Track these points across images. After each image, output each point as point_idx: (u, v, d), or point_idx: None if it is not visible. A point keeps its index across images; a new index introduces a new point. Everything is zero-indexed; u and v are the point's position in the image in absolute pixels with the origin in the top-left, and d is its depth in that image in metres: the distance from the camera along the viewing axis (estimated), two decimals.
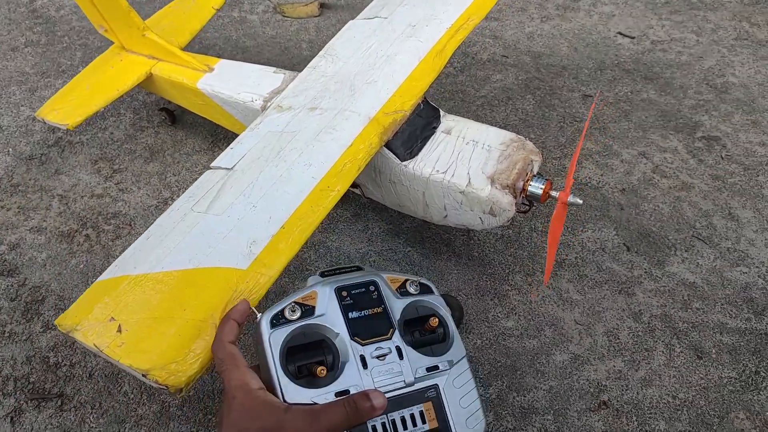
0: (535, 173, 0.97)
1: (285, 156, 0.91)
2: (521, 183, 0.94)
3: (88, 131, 1.46)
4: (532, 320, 1.09)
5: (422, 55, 1.06)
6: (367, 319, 0.71)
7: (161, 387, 0.68)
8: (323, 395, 0.63)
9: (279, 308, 0.69)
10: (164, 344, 0.70)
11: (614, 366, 1.03)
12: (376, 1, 1.20)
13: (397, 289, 0.75)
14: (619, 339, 1.06)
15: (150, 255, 0.80)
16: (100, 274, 0.78)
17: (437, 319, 0.71)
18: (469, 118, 1.40)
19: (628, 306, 1.10)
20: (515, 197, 0.94)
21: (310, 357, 0.67)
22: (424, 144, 1.01)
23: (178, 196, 0.87)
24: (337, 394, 0.63)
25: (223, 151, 0.94)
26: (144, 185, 1.34)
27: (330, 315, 0.69)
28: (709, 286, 1.12)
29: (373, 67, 1.05)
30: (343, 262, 1.18)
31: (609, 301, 1.11)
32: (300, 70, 1.13)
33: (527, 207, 1.00)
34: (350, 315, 0.70)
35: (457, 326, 1.05)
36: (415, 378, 0.66)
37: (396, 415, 0.62)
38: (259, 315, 0.71)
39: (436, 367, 0.68)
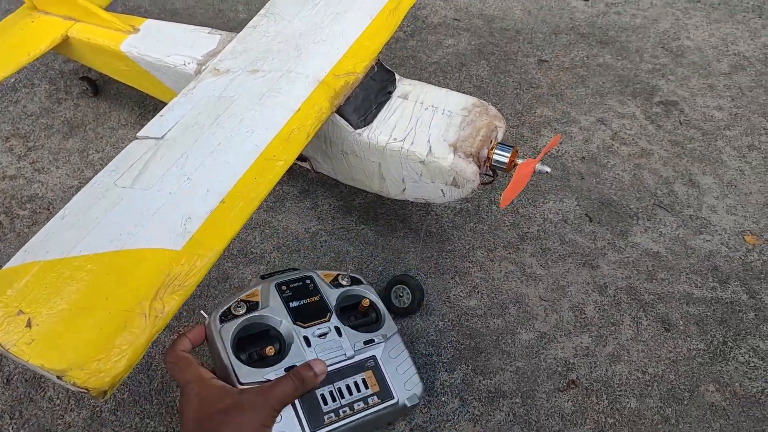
0: (499, 140, 0.89)
1: (223, 122, 0.81)
2: (485, 151, 0.87)
3: None
4: (495, 298, 1.03)
5: (375, 13, 0.97)
6: (307, 306, 0.78)
7: (81, 390, 0.57)
8: (274, 372, 0.69)
9: (226, 306, 0.76)
10: (83, 340, 0.59)
11: (581, 342, 0.98)
12: None
13: (330, 282, 0.84)
14: (585, 314, 1.01)
15: (65, 236, 0.68)
16: None
17: (368, 300, 0.81)
18: None
19: (593, 279, 1.05)
20: (479, 166, 0.87)
21: (259, 345, 0.73)
22: (379, 110, 0.92)
23: None
24: (287, 369, 0.69)
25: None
26: (63, 164, 1.19)
27: (273, 307, 0.76)
28: (673, 255, 1.09)
29: (321, 26, 0.95)
30: (291, 243, 1.08)
31: (573, 275, 1.06)
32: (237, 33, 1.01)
33: (491, 177, 0.93)
34: (291, 305, 0.78)
35: (418, 308, 0.98)
36: (354, 351, 0.74)
37: (341, 384, 0.69)
38: (207, 316, 0.75)
39: (371, 341, 0.77)
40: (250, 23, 1.00)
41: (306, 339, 0.76)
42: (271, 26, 0.98)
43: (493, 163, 0.88)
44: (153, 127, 0.82)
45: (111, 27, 1.10)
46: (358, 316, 0.83)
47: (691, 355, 0.97)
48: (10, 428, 0.87)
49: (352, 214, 1.13)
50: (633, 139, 1.27)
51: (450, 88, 1.27)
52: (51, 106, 1.30)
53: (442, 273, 1.06)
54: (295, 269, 0.87)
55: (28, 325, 0.61)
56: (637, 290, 1.04)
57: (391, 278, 1.00)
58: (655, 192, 1.18)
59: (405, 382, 0.79)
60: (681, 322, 1.01)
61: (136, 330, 0.60)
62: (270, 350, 0.73)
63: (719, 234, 1.12)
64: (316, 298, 0.81)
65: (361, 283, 0.88)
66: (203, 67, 0.97)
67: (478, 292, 1.03)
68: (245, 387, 0.62)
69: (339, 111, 0.89)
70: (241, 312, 0.77)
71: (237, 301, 0.78)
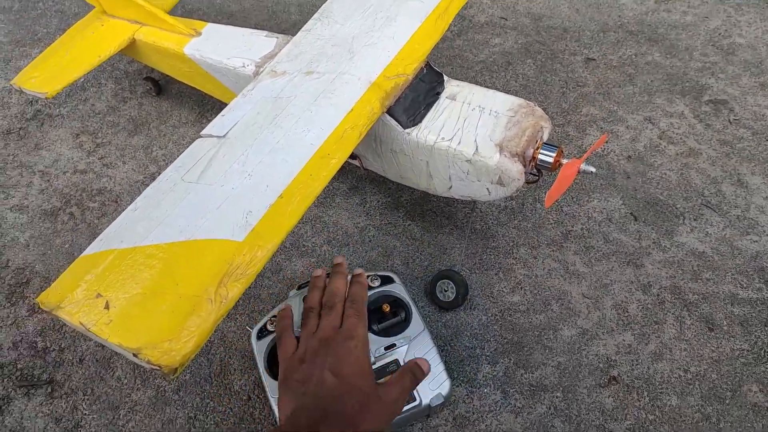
0: (545, 140, 0.92)
1: (281, 122, 0.86)
2: (531, 151, 0.89)
3: (68, 103, 1.39)
4: (538, 294, 1.05)
5: (424, 17, 1.00)
6: None
7: (154, 367, 0.63)
8: None
9: (263, 323, 0.89)
10: (156, 321, 0.65)
11: (624, 340, 1.00)
12: None
13: None
14: (628, 312, 1.03)
15: (138, 227, 0.74)
16: None
17: (388, 305, 0.88)
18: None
19: (637, 278, 1.06)
20: (525, 165, 0.89)
21: None
22: (428, 110, 0.95)
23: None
24: None
25: (210, 121, 0.88)
26: (129, 159, 1.27)
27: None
28: (719, 255, 1.09)
29: (373, 29, 0.99)
30: (341, 238, 1.13)
31: (617, 274, 1.07)
32: (291, 35, 1.06)
33: (536, 177, 0.95)
34: None
35: (462, 302, 1.02)
36: (374, 357, 0.81)
37: None
38: (250, 330, 0.89)
39: (393, 345, 0.85)
40: (305, 26, 1.04)
41: None
42: (325, 29, 1.03)
43: (538, 162, 0.90)
44: (215, 126, 0.88)
45: (175, 31, 1.17)
46: (385, 317, 0.89)
47: (734, 355, 0.97)
48: (84, 404, 0.95)
49: (399, 210, 1.17)
50: (681, 139, 1.26)
51: (496, 88, 1.30)
52: (117, 104, 1.39)
53: (486, 269, 1.08)
54: (329, 275, 0.90)
55: (106, 307, 0.67)
56: (681, 290, 1.05)
57: (437, 273, 1.04)
58: (703, 192, 1.18)
59: (430, 382, 0.85)
60: (725, 322, 1.01)
61: (203, 314, 0.65)
62: None
63: (767, 235, 1.11)
64: None
65: (392, 282, 0.94)
66: (261, 69, 1.03)
67: (521, 288, 1.06)
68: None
69: (389, 111, 0.93)
70: (275, 328, 0.86)
71: (271, 317, 0.89)
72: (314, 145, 0.82)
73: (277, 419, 0.75)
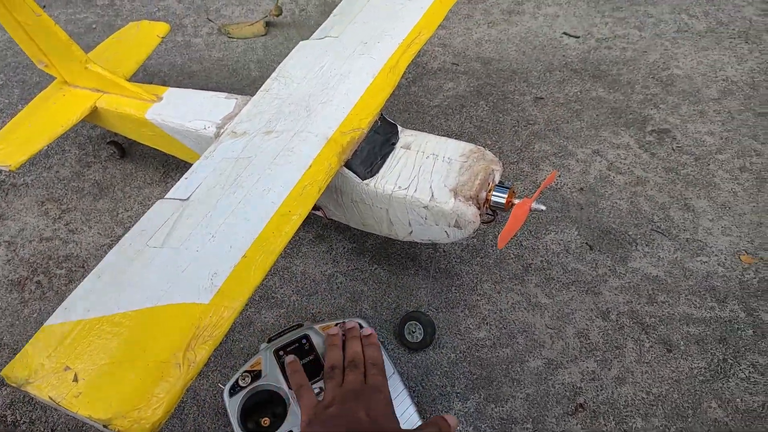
0: (496, 182, 0.97)
1: (242, 182, 0.89)
2: (484, 193, 0.94)
3: (33, 171, 1.40)
4: (503, 328, 1.08)
5: (376, 72, 1.05)
6: (303, 367, 0.87)
7: None
8: None
9: (234, 379, 0.90)
10: (125, 390, 0.66)
11: (587, 367, 1.03)
12: (325, 23, 1.18)
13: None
14: (589, 339, 1.07)
15: (104, 296, 0.76)
16: None
17: None
18: (424, 128, 1.42)
19: (596, 305, 1.11)
20: (479, 208, 0.94)
21: (263, 413, 0.86)
22: (384, 161, 1.00)
23: None
24: None
25: (174, 181, 0.92)
26: (95, 224, 1.29)
27: (272, 374, 0.88)
28: (671, 278, 1.14)
29: (327, 87, 1.04)
30: (309, 287, 1.16)
31: (577, 302, 1.11)
32: (250, 92, 1.10)
33: (492, 217, 1.00)
34: None
35: (430, 342, 1.05)
36: None
37: None
38: (222, 387, 0.90)
39: None
40: (263, 86, 1.09)
41: None
42: (282, 89, 1.07)
43: (492, 204, 0.95)
44: (179, 189, 0.91)
45: (136, 97, 1.20)
46: None
47: (693, 373, 1.01)
48: None
49: (365, 255, 1.20)
50: (628, 168, 1.33)
51: (452, 130, 1.36)
52: (81, 169, 1.41)
53: (452, 306, 1.12)
54: (299, 325, 0.98)
55: (75, 379, 0.68)
56: (638, 314, 1.09)
57: (404, 315, 1.07)
58: (652, 218, 1.24)
59: (403, 424, 0.86)
60: (682, 343, 1.05)
61: (171, 379, 0.67)
62: (265, 421, 0.86)
63: (716, 255, 1.17)
64: (311, 357, 0.91)
65: (361, 327, 0.96)
66: (222, 130, 1.06)
67: (486, 323, 1.09)
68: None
69: (347, 164, 0.97)
70: (246, 383, 0.89)
71: (242, 373, 0.91)
72: (275, 203, 0.85)
73: None
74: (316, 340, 0.94)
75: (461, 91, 1.54)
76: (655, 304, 1.11)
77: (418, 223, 0.99)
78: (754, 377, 1.00)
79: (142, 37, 1.40)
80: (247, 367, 0.92)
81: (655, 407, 0.98)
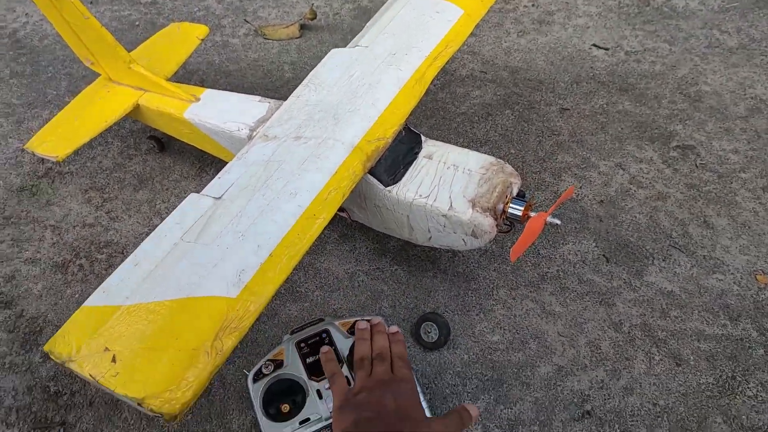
0: (514, 195, 1.00)
1: (271, 185, 0.94)
2: (501, 205, 0.98)
3: (77, 161, 1.48)
4: (517, 333, 1.12)
5: (403, 83, 1.09)
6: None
7: (156, 415, 0.71)
8: (290, 425, 0.88)
9: (258, 366, 0.96)
10: (158, 373, 0.72)
11: (596, 376, 1.06)
12: (360, 33, 1.23)
13: (348, 330, 0.98)
14: (600, 349, 1.10)
15: (142, 284, 0.82)
16: None
17: None
18: (450, 134, 1.46)
19: (609, 316, 1.14)
20: (496, 219, 0.98)
21: (284, 399, 0.91)
22: (407, 169, 1.04)
23: None
24: (301, 423, 0.88)
25: (209, 176, 0.98)
26: (134, 213, 1.36)
27: (293, 364, 0.94)
28: (686, 294, 1.16)
29: (356, 96, 1.08)
30: (332, 283, 1.21)
31: (590, 313, 1.14)
32: (283, 93, 1.16)
33: (509, 227, 1.03)
34: (308, 360, 0.94)
35: (444, 343, 1.09)
36: None
37: None
38: (247, 374, 0.95)
39: None
40: (295, 92, 1.14)
41: (318, 392, 0.91)
42: (312, 95, 1.12)
43: (508, 215, 0.99)
44: (213, 187, 0.97)
45: (176, 97, 1.27)
46: None
47: (700, 388, 1.04)
48: None
49: (386, 255, 1.25)
50: (650, 183, 1.35)
51: (477, 137, 1.40)
52: (123, 161, 1.48)
53: (468, 310, 1.16)
54: (320, 320, 1.03)
55: (113, 360, 0.75)
56: (650, 327, 1.12)
57: (421, 315, 1.12)
58: (671, 233, 1.26)
59: None
60: (692, 358, 1.08)
61: (200, 365, 0.73)
62: (285, 407, 0.91)
63: (732, 273, 1.18)
64: None
65: None
66: (254, 133, 1.12)
67: (500, 327, 1.13)
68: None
69: (371, 171, 1.02)
70: (269, 371, 0.95)
71: (266, 361, 0.96)
72: (301, 207, 0.90)
73: None
74: (336, 335, 0.99)
75: (488, 99, 1.57)
76: (667, 318, 1.13)
77: (437, 230, 1.03)
78: (761, 396, 1.02)
79: (183, 38, 1.47)
80: (270, 356, 0.98)
81: (660, 419, 1.00)
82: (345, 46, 1.20)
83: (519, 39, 1.75)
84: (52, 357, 0.76)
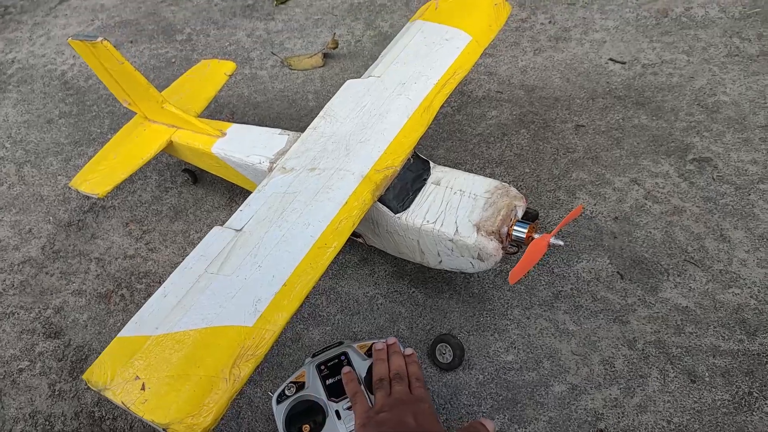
0: (519, 218, 1.04)
1: (287, 216, 1.01)
2: (506, 228, 1.02)
3: (119, 195, 1.59)
4: (530, 353, 1.15)
5: (411, 112, 1.15)
6: (340, 382, 0.98)
7: None
8: None
9: (281, 388, 1.01)
10: (181, 400, 0.79)
11: (610, 394, 1.08)
12: (375, 63, 1.29)
13: (365, 352, 1.03)
14: (614, 367, 1.11)
15: (170, 315, 0.89)
16: None
17: None
18: (466, 156, 1.51)
19: (623, 334, 1.15)
20: (501, 242, 1.01)
21: (305, 419, 0.96)
22: (416, 196, 1.09)
23: None
24: None
25: (237, 205, 1.04)
26: (170, 244, 1.46)
27: (314, 386, 0.99)
28: (701, 309, 1.16)
29: (366, 126, 1.14)
30: (352, 307, 1.27)
31: (604, 330, 1.16)
32: (306, 122, 1.22)
33: (516, 249, 1.07)
34: (327, 382, 0.99)
35: (459, 363, 1.13)
36: None
37: None
38: (271, 395, 1.01)
39: None
40: (312, 124, 1.21)
41: (337, 413, 0.96)
42: (327, 127, 1.18)
43: (513, 238, 1.03)
44: (235, 220, 1.04)
45: (204, 132, 1.36)
46: None
47: (715, 405, 1.04)
48: None
49: (404, 278, 1.30)
50: (665, 198, 1.36)
51: (492, 158, 1.44)
52: (160, 194, 1.59)
53: (482, 330, 1.19)
54: (340, 343, 1.08)
55: (143, 388, 0.81)
56: (665, 344, 1.13)
57: (435, 337, 1.16)
58: (686, 248, 1.26)
59: None
60: (707, 374, 1.08)
61: (219, 392, 0.79)
62: (306, 428, 0.95)
63: (749, 287, 1.18)
64: None
65: None
66: (274, 165, 1.19)
67: (515, 347, 1.16)
68: None
69: (381, 199, 1.07)
70: (291, 393, 1.00)
71: (288, 383, 1.02)
72: (313, 237, 0.96)
73: None
74: (354, 357, 1.04)
75: (504, 119, 1.60)
76: (682, 334, 1.14)
77: (446, 254, 1.07)
78: None
79: (211, 75, 1.57)
80: (292, 378, 1.04)
81: None
82: (363, 74, 1.27)
83: (535, 57, 1.78)
84: (89, 385, 0.84)
